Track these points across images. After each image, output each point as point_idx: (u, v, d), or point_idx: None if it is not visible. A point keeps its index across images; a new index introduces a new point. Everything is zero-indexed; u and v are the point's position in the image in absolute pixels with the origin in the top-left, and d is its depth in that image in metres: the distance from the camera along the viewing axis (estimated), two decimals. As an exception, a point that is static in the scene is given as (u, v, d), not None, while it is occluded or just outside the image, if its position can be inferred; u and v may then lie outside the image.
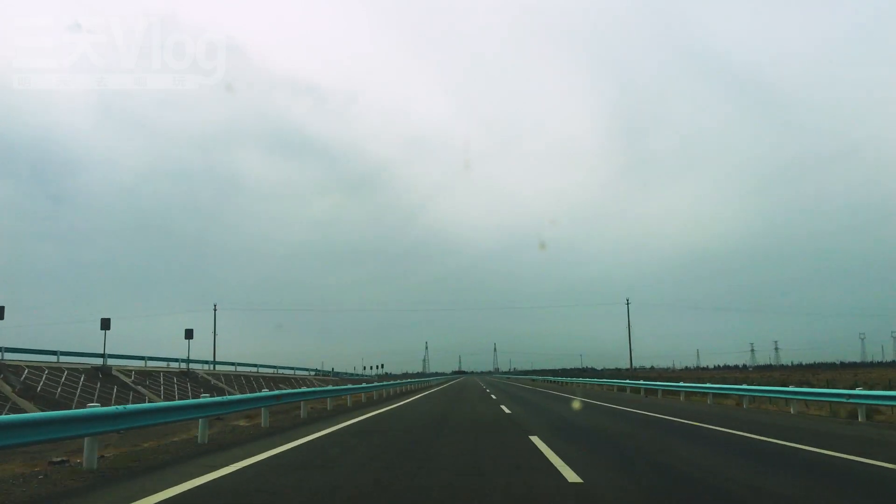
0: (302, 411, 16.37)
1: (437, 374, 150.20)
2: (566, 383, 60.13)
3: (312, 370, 78.46)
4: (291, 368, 69.51)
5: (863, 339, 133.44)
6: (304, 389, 19.55)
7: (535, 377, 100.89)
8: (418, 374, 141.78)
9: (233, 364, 59.99)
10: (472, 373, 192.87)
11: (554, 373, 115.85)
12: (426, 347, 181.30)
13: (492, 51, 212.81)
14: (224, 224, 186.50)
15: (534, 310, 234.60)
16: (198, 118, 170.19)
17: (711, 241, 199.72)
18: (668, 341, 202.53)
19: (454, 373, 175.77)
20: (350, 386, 28.76)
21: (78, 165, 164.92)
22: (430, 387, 51.59)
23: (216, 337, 75.84)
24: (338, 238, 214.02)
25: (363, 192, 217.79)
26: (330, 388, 25.12)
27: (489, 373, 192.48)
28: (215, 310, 79.80)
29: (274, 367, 66.41)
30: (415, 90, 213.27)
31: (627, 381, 42.19)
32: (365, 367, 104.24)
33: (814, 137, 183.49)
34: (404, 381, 47.41)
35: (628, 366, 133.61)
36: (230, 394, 37.12)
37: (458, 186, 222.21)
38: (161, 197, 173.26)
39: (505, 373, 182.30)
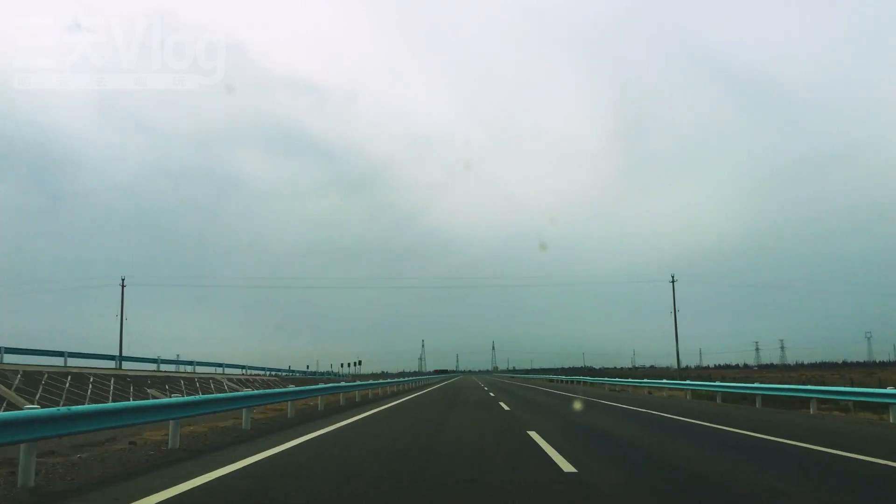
0: (171, 439, 9.69)
1: (420, 373, 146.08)
2: (621, 387, 41.79)
3: (270, 369, 63.70)
4: (241, 367, 55.77)
5: (869, 338, 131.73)
6: (153, 402, 9.51)
7: (552, 376, 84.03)
8: (414, 374, 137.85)
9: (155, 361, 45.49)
10: (470, 372, 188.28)
11: (559, 372, 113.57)
12: (422, 345, 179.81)
13: (492, 51, 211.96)
14: (223, 222, 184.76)
15: (533, 309, 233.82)
16: (198, 117, 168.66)
17: (714, 240, 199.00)
18: (670, 341, 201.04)
19: (437, 372, 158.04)
20: (252, 392, 16.03)
21: (77, 165, 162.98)
22: (408, 391, 38.58)
23: (123, 322, 58.69)
24: (337, 237, 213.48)
25: (363, 192, 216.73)
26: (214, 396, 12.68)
27: (488, 371, 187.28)
28: (123, 286, 60.87)
29: (219, 364, 52.23)
30: (415, 90, 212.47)
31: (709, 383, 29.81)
32: (343, 365, 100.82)
33: (817, 137, 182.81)
34: (369, 382, 32.18)
35: (632, 365, 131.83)
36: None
37: (458, 186, 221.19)
38: (160, 195, 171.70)
39: (504, 371, 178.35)
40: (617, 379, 47.71)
